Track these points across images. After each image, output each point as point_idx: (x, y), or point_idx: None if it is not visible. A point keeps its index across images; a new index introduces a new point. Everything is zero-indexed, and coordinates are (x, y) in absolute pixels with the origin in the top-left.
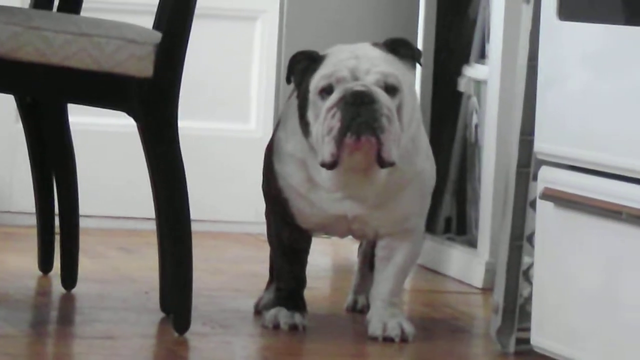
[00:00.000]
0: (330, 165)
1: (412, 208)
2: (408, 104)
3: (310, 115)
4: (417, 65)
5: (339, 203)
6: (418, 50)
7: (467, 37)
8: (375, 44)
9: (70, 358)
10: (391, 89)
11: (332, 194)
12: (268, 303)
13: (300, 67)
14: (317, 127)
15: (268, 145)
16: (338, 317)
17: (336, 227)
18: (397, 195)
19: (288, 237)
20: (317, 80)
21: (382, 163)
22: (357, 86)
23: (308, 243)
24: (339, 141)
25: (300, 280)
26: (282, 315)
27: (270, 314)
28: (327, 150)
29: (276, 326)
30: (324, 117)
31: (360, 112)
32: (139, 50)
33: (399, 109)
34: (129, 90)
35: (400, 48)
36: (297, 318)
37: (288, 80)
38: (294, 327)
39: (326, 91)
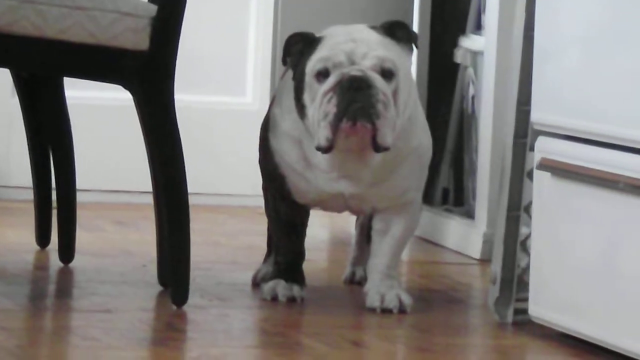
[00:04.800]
0: (326, 150)
1: (410, 182)
2: (404, 88)
3: (306, 98)
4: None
5: (335, 182)
6: (415, 33)
7: (463, 8)
8: (373, 27)
9: (68, 331)
10: (388, 74)
11: (328, 174)
12: (266, 275)
13: (297, 49)
14: (313, 110)
15: (264, 121)
16: (336, 289)
17: (333, 203)
18: (394, 172)
19: (285, 212)
20: (313, 64)
21: (377, 148)
22: (353, 71)
23: (306, 217)
24: (335, 126)
25: (298, 253)
26: (280, 287)
27: (268, 286)
28: (322, 134)
29: (274, 298)
30: (320, 102)
31: (356, 98)
32: (134, 23)
33: (395, 93)
34: (124, 64)
35: (397, 31)
36: (295, 290)
37: (284, 62)
38: (292, 299)
39: (322, 75)
